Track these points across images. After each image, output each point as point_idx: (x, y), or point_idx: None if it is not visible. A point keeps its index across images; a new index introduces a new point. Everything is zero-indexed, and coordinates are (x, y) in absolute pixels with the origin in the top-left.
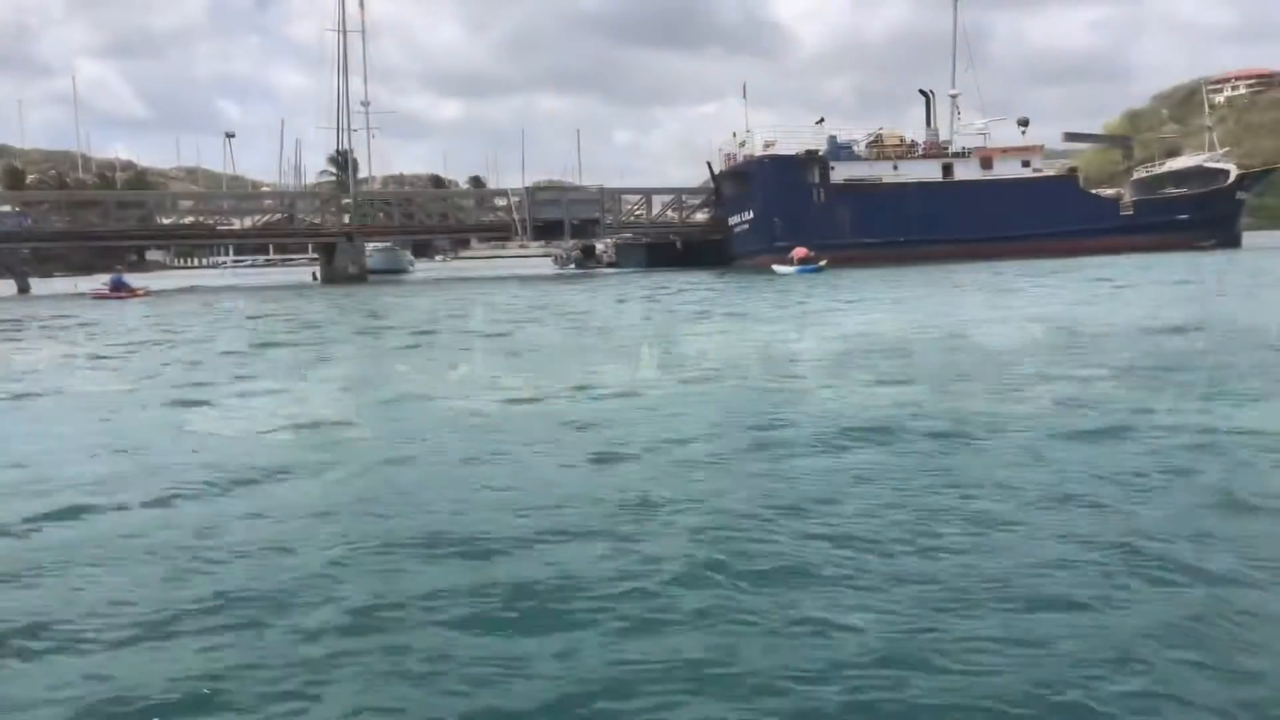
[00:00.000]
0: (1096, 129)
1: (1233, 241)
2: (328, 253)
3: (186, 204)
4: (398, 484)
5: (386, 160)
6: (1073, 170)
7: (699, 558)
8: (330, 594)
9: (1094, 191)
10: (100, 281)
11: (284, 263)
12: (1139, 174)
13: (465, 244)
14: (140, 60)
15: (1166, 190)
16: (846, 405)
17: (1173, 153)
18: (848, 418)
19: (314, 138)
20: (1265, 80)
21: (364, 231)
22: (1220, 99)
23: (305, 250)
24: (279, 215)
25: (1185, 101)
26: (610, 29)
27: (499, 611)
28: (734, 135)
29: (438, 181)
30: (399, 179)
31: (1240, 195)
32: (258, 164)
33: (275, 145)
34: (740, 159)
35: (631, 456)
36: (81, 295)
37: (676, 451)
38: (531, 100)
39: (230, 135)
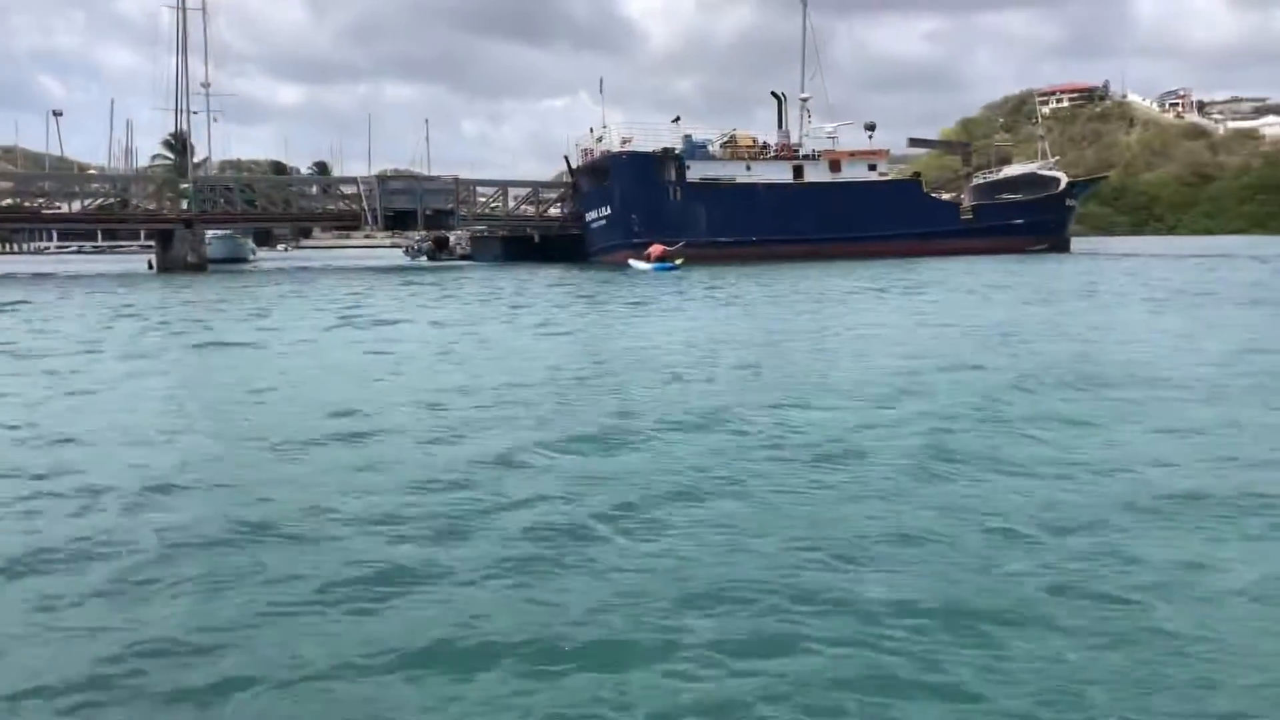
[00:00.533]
0: (934, 136)
1: (1063, 246)
2: (164, 240)
3: (4, 185)
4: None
5: (224, 145)
6: (916, 175)
7: None
8: None
9: (935, 195)
10: None
11: (113, 250)
12: (977, 180)
13: (307, 233)
14: None
15: (1003, 196)
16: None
17: (1005, 160)
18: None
19: (146, 120)
20: (1085, 94)
21: (204, 219)
22: (1046, 110)
23: (138, 237)
24: (112, 200)
25: (1014, 111)
26: (458, 18)
27: None
28: (591, 131)
29: (279, 168)
30: (236, 164)
31: (1070, 202)
32: (85, 145)
33: (103, 126)
34: (597, 155)
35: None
36: None
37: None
38: (377, 88)
39: (57, 114)
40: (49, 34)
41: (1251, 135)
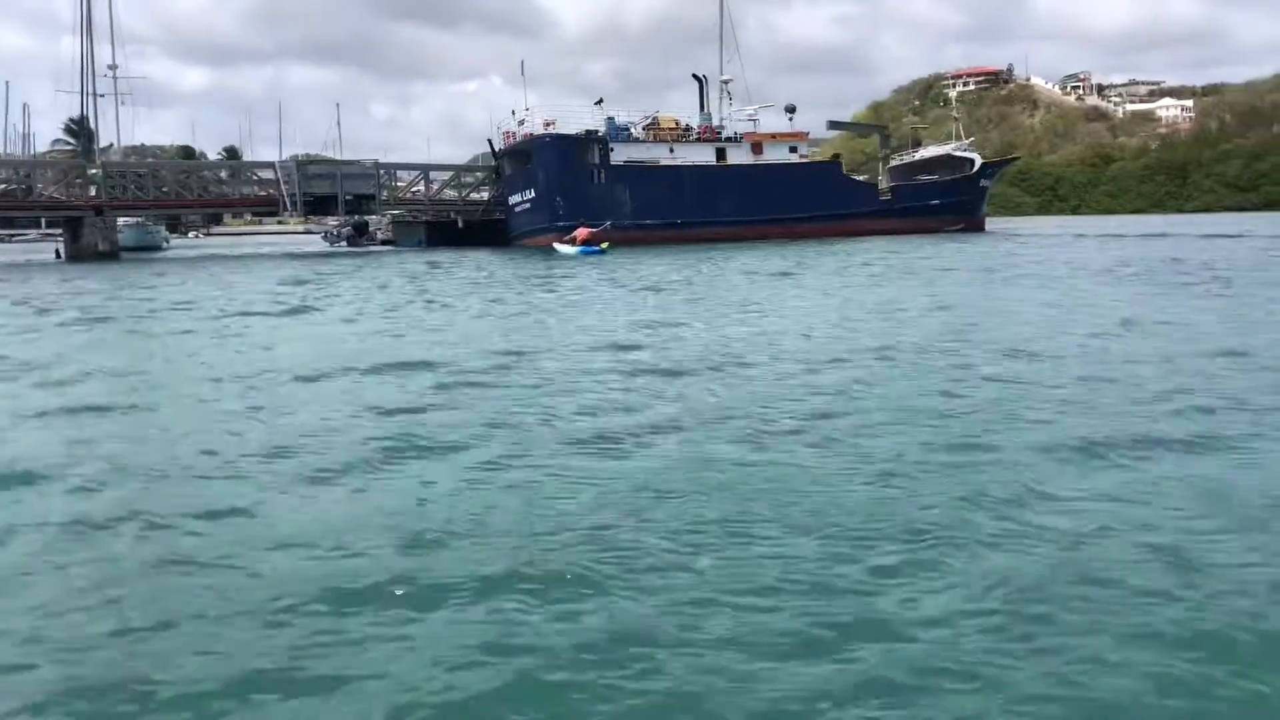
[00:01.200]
0: (845, 119)
1: (978, 226)
2: (73, 228)
3: None
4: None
5: (129, 130)
6: (835, 157)
7: None
8: None
9: (853, 177)
10: None
11: (11, 239)
12: (894, 161)
13: (218, 220)
14: None
15: (919, 177)
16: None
17: (918, 142)
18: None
19: (41, 104)
20: (991, 78)
21: (116, 205)
22: (952, 94)
23: (39, 225)
24: (14, 186)
25: (922, 95)
26: (365, 0)
27: None
28: (513, 113)
29: (188, 153)
30: (141, 150)
31: (984, 183)
32: None
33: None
34: (520, 138)
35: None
36: None
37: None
38: (284, 71)
39: None
40: None
41: (1149, 117)
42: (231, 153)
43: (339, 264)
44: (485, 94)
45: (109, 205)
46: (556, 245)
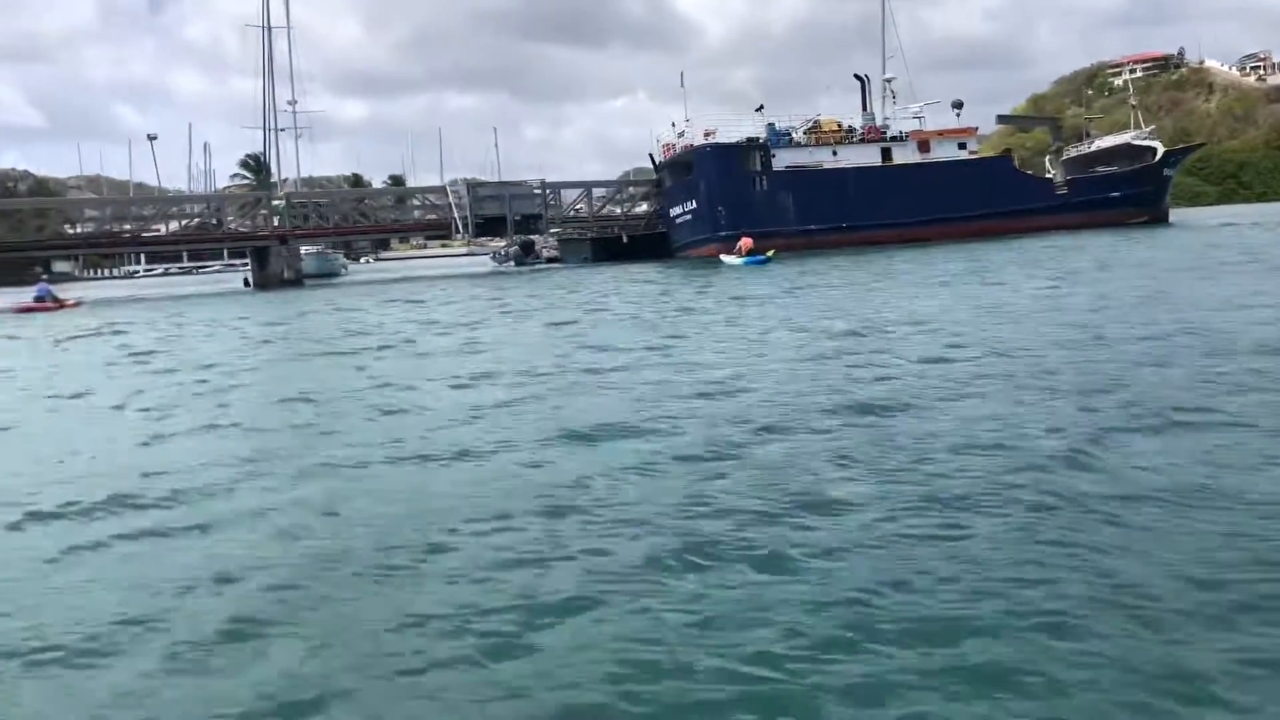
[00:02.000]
0: (1004, 114)
1: (1161, 217)
2: (259, 257)
3: (96, 212)
4: None
5: (298, 163)
6: (1006, 151)
7: None
8: None
9: (1027, 172)
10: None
11: (198, 270)
12: (1069, 153)
13: (385, 245)
14: (28, 65)
15: (1097, 169)
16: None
17: (1086, 134)
18: None
19: (219, 141)
20: (1159, 63)
21: (298, 234)
22: (1118, 82)
23: (221, 256)
24: (208, 220)
25: (1085, 85)
26: (513, 25)
27: None
28: (673, 125)
29: (357, 182)
30: (310, 181)
31: (1167, 172)
32: (163, 170)
33: (178, 150)
34: (679, 149)
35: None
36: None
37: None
38: (438, 99)
39: (152, 137)
40: (122, 64)
41: None
42: (396, 180)
43: (545, 280)
44: (632, 110)
45: (292, 234)
46: (722, 257)
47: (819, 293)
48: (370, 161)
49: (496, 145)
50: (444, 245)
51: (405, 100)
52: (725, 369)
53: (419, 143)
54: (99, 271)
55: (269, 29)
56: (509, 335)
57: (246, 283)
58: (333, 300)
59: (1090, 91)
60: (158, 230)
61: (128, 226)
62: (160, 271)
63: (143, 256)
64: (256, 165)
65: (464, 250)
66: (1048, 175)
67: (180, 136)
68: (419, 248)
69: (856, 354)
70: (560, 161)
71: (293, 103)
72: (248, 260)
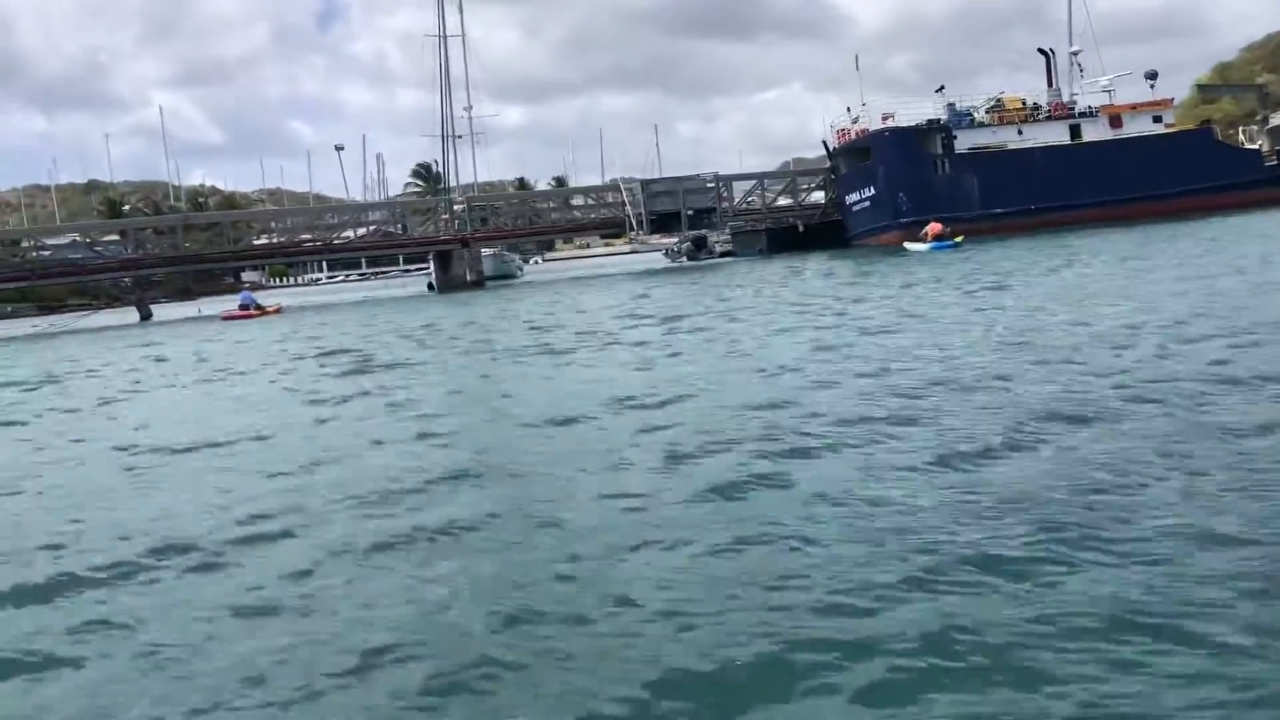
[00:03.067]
0: (1184, 85)
1: None
2: (442, 261)
3: (282, 223)
4: None
5: (470, 169)
6: (1206, 123)
7: None
8: None
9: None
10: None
11: (376, 276)
12: (1275, 121)
13: (550, 246)
14: (209, 88)
15: None
16: None
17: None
18: None
19: (388, 152)
20: None
21: (479, 237)
22: None
23: (398, 262)
24: (389, 227)
25: (1277, 51)
26: (661, 23)
27: None
28: (848, 110)
29: (523, 185)
30: (482, 186)
31: None
32: (333, 181)
33: (350, 162)
34: (854, 135)
35: None
36: (202, 318)
37: None
38: (594, 101)
39: (340, 148)
40: (294, 81)
41: None
42: (560, 182)
43: (746, 274)
44: (784, 101)
45: (473, 238)
46: (907, 244)
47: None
48: (534, 165)
49: (657, 144)
50: (607, 244)
51: (562, 103)
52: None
53: (576, 144)
54: (284, 280)
55: (445, 38)
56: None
57: (431, 286)
58: (551, 298)
59: None
60: (347, 237)
61: (306, 235)
62: (341, 278)
63: (325, 264)
64: (428, 173)
65: (628, 248)
66: (1253, 146)
67: (352, 149)
68: (582, 247)
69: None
70: (715, 157)
71: (468, 109)
72: (425, 265)
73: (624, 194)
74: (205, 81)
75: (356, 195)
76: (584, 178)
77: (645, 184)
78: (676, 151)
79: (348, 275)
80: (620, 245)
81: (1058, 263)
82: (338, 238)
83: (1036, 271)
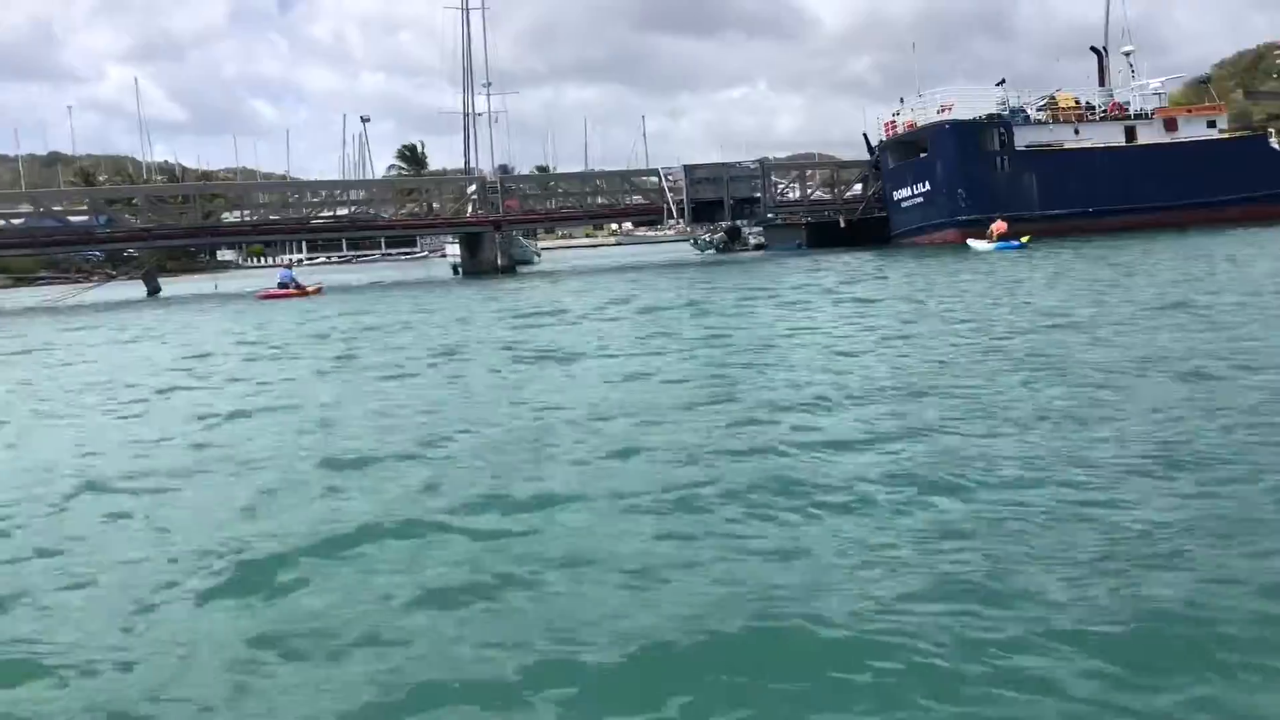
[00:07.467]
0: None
1: None
2: (470, 244)
3: (291, 199)
4: None
5: (491, 147)
6: (1264, 129)
7: None
8: None
9: None
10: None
11: (357, 259)
12: None
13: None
14: (164, 64)
15: None
16: None
17: None
18: None
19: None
20: None
21: (510, 221)
22: None
23: (379, 245)
24: (363, 211)
25: (1251, 69)
26: (626, 16)
27: None
28: (901, 101)
29: (542, 170)
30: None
31: None
32: (306, 164)
33: (325, 142)
34: (901, 129)
35: None
36: (229, 295)
37: None
38: (559, 92)
39: (365, 119)
40: (252, 60)
41: None
42: (541, 169)
43: (817, 270)
44: (751, 99)
45: (505, 220)
46: (970, 242)
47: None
48: (516, 154)
49: (645, 134)
50: (611, 233)
51: (528, 95)
52: None
53: (545, 136)
54: (262, 260)
55: (468, 11)
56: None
57: (456, 269)
58: (629, 285)
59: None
60: (328, 216)
61: (278, 214)
62: (321, 260)
63: (304, 245)
64: (413, 154)
65: (641, 236)
66: None
67: (312, 131)
68: (565, 237)
69: None
70: (683, 151)
71: (487, 85)
72: (412, 249)
73: (664, 180)
74: (162, 56)
75: (334, 177)
76: (566, 165)
77: (688, 170)
78: (644, 145)
79: (329, 257)
80: (604, 236)
81: (1199, 269)
82: (317, 217)
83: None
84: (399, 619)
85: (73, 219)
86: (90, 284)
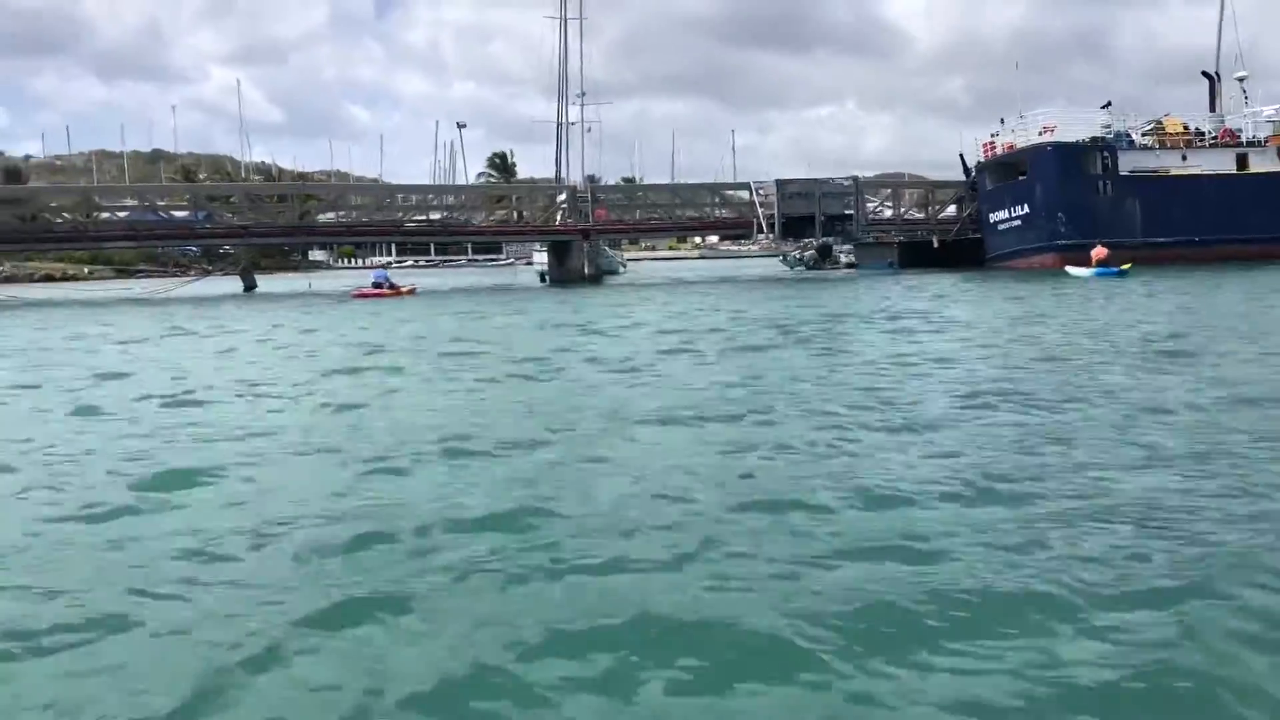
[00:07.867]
0: None
1: None
2: (558, 252)
3: (384, 202)
4: None
5: (582, 157)
6: None
7: None
8: None
9: None
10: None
11: (445, 264)
12: None
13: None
14: (265, 66)
15: None
16: None
17: None
18: None
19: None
20: None
21: (600, 230)
22: None
23: (466, 251)
24: (453, 216)
25: None
26: (715, 31)
27: None
28: (1001, 122)
29: (629, 182)
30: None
31: None
32: (398, 169)
33: (417, 147)
34: (1000, 150)
35: None
36: (322, 294)
37: None
38: (646, 105)
39: (462, 125)
40: (351, 65)
41: None
42: (628, 180)
43: (950, 295)
44: (839, 118)
45: (594, 230)
46: (1069, 268)
47: None
48: (603, 165)
49: (734, 148)
50: (695, 247)
51: (616, 107)
52: None
53: (633, 148)
54: (352, 261)
55: (565, 21)
56: None
57: (542, 277)
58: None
59: None
60: (420, 220)
61: (365, 218)
62: (409, 264)
63: (394, 248)
64: (503, 163)
65: (727, 251)
66: None
67: (405, 136)
68: (648, 249)
69: None
70: (769, 167)
71: (582, 95)
72: (497, 256)
73: (755, 194)
74: (264, 59)
75: (426, 181)
76: (650, 180)
77: (780, 184)
78: (732, 159)
79: (416, 261)
80: (686, 250)
81: None
82: (411, 220)
83: None
84: None
85: (174, 214)
86: (188, 278)
